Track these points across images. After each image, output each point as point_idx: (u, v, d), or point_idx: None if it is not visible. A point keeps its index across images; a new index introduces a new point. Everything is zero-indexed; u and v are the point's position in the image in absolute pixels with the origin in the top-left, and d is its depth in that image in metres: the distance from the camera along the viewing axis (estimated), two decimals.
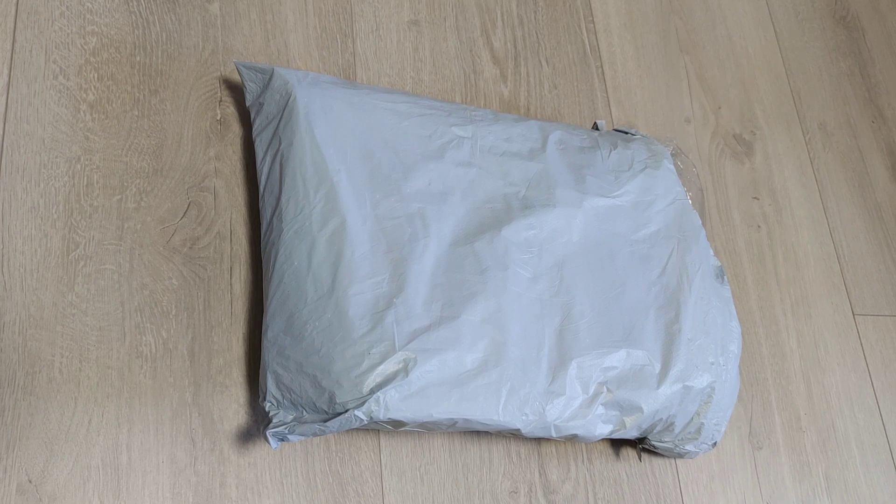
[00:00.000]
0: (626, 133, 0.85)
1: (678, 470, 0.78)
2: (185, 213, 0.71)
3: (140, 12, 0.77)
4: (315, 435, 0.59)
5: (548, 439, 0.73)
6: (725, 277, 0.77)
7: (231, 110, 0.77)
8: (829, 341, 0.90)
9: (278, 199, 0.67)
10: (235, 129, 0.76)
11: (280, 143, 0.68)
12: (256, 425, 0.67)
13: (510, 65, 0.91)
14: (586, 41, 0.96)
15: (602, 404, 0.67)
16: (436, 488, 0.70)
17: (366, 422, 0.59)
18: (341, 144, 0.69)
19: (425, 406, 0.60)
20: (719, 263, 0.78)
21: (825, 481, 0.83)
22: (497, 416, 0.62)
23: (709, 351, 0.72)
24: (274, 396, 0.62)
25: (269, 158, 0.69)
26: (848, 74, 1.08)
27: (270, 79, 0.71)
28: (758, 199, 0.95)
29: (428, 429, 0.63)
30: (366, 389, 0.59)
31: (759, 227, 0.94)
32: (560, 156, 0.77)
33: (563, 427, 0.65)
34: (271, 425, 0.60)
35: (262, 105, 0.72)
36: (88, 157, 0.70)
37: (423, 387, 0.60)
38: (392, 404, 0.59)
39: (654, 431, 0.71)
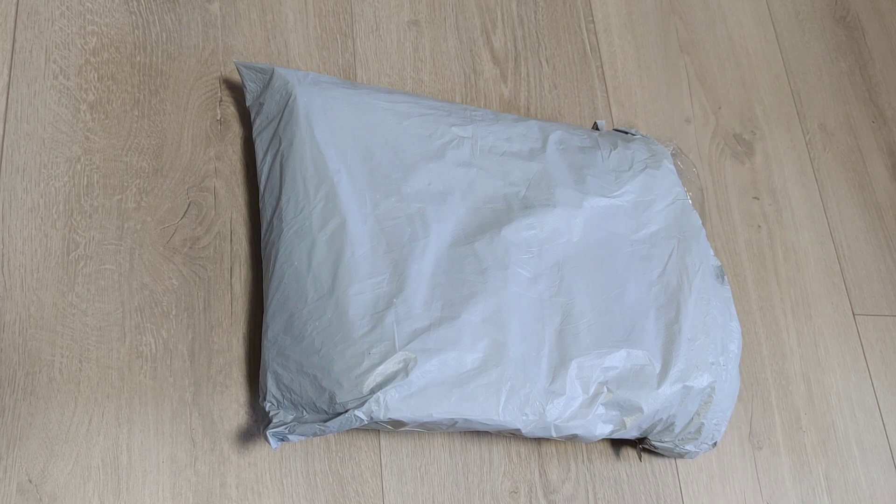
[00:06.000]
0: (626, 133, 0.85)
1: (678, 470, 0.78)
2: (185, 213, 0.71)
3: (140, 12, 0.77)
4: (315, 435, 0.59)
5: (548, 439, 0.73)
6: (725, 277, 0.77)
7: (231, 110, 0.77)
8: (829, 341, 0.90)
9: (278, 199, 0.67)
10: (235, 129, 0.76)
11: (280, 143, 0.69)
12: (256, 425, 0.67)
13: (510, 65, 0.91)
14: (586, 41, 0.96)
15: (602, 404, 0.67)
16: (436, 488, 0.70)
17: (366, 422, 0.59)
18: (341, 144, 0.69)
19: (425, 406, 0.60)
20: (719, 263, 0.78)
21: (825, 481, 0.83)
22: (497, 416, 0.62)
23: (709, 351, 0.72)
24: (274, 396, 0.62)
25: (269, 158, 0.69)
26: (848, 74, 1.08)
27: (270, 79, 0.71)
28: (758, 199, 0.95)
29: (428, 429, 0.63)
30: (366, 389, 0.59)
31: (759, 227, 0.94)
32: (560, 156, 0.77)
33: (563, 427, 0.65)
34: (271, 425, 0.60)
35: (262, 105, 0.72)
36: (88, 157, 0.70)
37: (423, 387, 0.60)
38: (392, 404, 0.59)
39: (655, 431, 0.71)
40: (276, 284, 0.64)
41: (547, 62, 0.93)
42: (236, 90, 0.77)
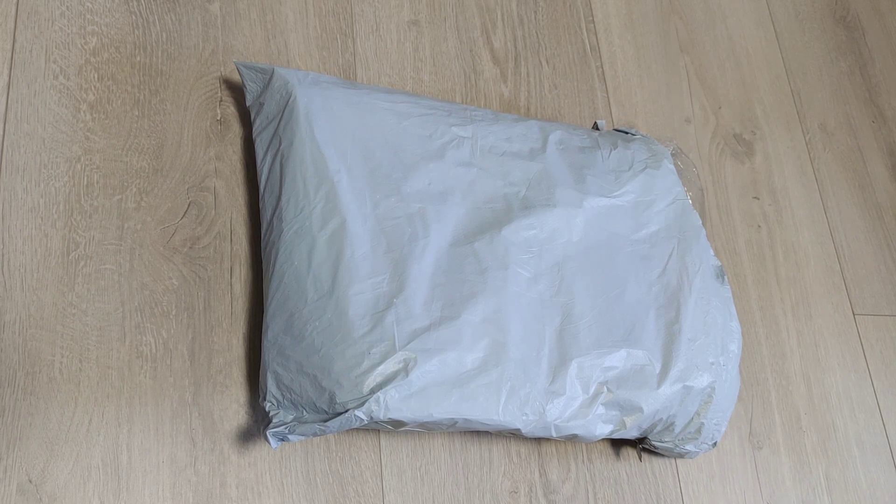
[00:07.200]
0: (627, 133, 0.85)
1: (678, 470, 0.78)
2: (185, 213, 0.71)
3: (140, 12, 0.77)
4: (315, 435, 0.59)
5: (548, 439, 0.73)
6: (726, 277, 0.77)
7: (231, 110, 0.77)
8: (829, 341, 0.90)
9: (278, 199, 0.67)
10: (235, 129, 0.76)
11: (280, 143, 0.69)
12: (256, 425, 0.67)
13: (510, 65, 0.91)
14: (586, 41, 0.96)
15: (602, 404, 0.67)
16: (436, 488, 0.70)
17: (366, 422, 0.59)
18: (341, 144, 0.69)
19: (425, 406, 0.60)
20: (719, 263, 0.78)
21: (825, 481, 0.83)
22: (497, 416, 0.62)
23: (709, 351, 0.72)
24: (274, 396, 0.62)
25: (269, 158, 0.69)
26: (848, 74, 1.08)
27: (270, 79, 0.71)
28: (758, 199, 0.95)
29: (428, 429, 0.63)
30: (366, 389, 0.59)
31: (759, 227, 0.94)
32: (560, 156, 0.77)
33: (563, 427, 0.65)
34: (271, 425, 0.60)
35: (262, 105, 0.72)
36: (88, 157, 0.70)
37: (423, 387, 0.60)
38: (392, 404, 0.59)
39: (655, 431, 0.71)
40: (276, 284, 0.64)
41: (547, 62, 0.93)
42: (236, 90, 0.77)
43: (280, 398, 0.61)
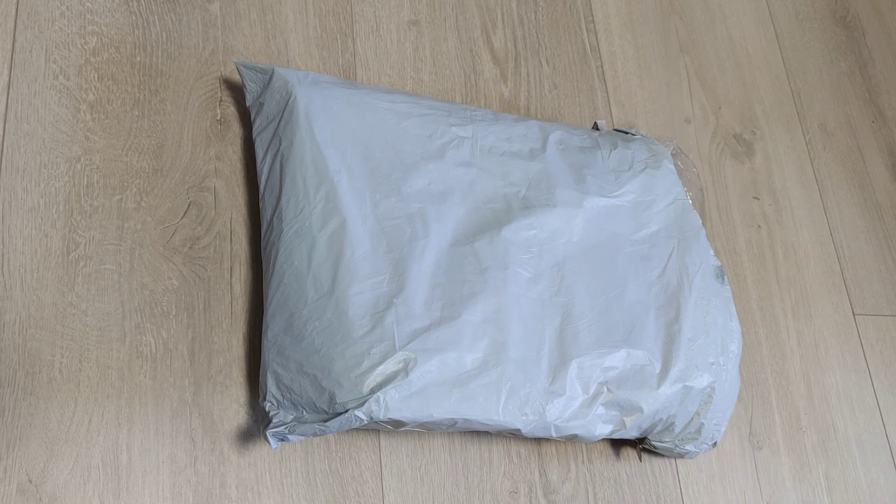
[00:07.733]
0: (627, 133, 0.85)
1: (678, 470, 0.78)
2: (185, 213, 0.71)
3: (140, 12, 0.77)
4: (315, 435, 0.59)
5: (548, 439, 0.73)
6: (726, 277, 0.77)
7: (231, 110, 0.77)
8: (829, 341, 0.90)
9: (278, 199, 0.67)
10: (236, 129, 0.76)
11: (280, 143, 0.69)
12: (256, 425, 0.67)
13: (510, 65, 0.91)
14: (586, 41, 0.96)
15: (602, 404, 0.67)
16: (436, 488, 0.70)
17: (366, 422, 0.59)
18: (341, 144, 0.69)
19: (425, 406, 0.60)
20: (719, 263, 0.78)
21: (825, 481, 0.83)
22: (497, 416, 0.62)
23: (709, 351, 0.72)
24: (274, 396, 0.62)
25: (269, 158, 0.69)
26: (848, 74, 1.08)
27: (270, 79, 0.71)
28: (758, 199, 0.95)
29: (428, 429, 0.63)
30: (366, 389, 0.59)
31: (759, 227, 0.94)
32: (560, 156, 0.77)
33: (563, 427, 0.65)
34: (271, 425, 0.60)
35: (262, 105, 0.72)
36: (88, 157, 0.70)
37: (423, 387, 0.60)
38: (392, 404, 0.59)
39: (655, 431, 0.71)
40: (276, 284, 0.64)
41: (547, 62, 0.93)
42: (236, 90, 0.77)
43: (280, 398, 0.61)
